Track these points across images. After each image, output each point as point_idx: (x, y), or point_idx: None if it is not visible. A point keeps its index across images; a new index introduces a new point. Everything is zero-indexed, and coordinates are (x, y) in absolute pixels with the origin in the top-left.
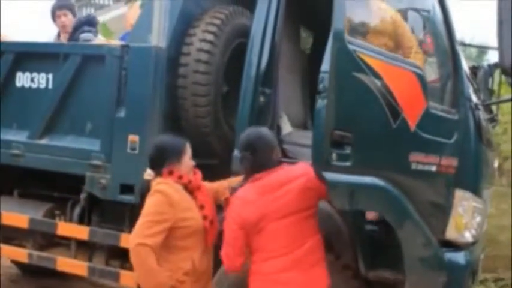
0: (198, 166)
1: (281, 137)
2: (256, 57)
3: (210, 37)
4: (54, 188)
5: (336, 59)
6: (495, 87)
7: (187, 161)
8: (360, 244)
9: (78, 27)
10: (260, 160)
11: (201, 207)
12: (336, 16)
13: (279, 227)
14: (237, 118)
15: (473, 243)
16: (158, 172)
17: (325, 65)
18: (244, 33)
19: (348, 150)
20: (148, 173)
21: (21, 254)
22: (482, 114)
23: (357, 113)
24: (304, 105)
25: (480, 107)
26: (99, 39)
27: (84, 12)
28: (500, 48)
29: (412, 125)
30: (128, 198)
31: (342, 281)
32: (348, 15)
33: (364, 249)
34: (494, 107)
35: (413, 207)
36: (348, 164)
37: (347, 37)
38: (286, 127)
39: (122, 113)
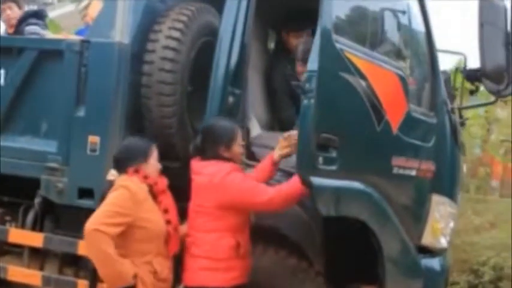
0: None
1: (250, 139)
2: (225, 57)
3: (176, 34)
4: (4, 192)
5: (323, 58)
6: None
7: (154, 163)
8: (333, 251)
9: (24, 20)
10: (203, 145)
11: (165, 211)
12: (323, 14)
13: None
14: (205, 119)
15: (445, 249)
16: (123, 172)
17: (312, 64)
18: (210, 31)
19: (334, 154)
20: (112, 173)
21: None
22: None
23: (343, 115)
24: (270, 107)
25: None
26: (47, 34)
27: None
28: (482, 51)
29: (394, 128)
30: (86, 203)
31: None
32: (334, 13)
33: (338, 257)
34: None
35: (392, 213)
36: (333, 168)
37: (334, 36)
38: (256, 129)
39: (81, 112)
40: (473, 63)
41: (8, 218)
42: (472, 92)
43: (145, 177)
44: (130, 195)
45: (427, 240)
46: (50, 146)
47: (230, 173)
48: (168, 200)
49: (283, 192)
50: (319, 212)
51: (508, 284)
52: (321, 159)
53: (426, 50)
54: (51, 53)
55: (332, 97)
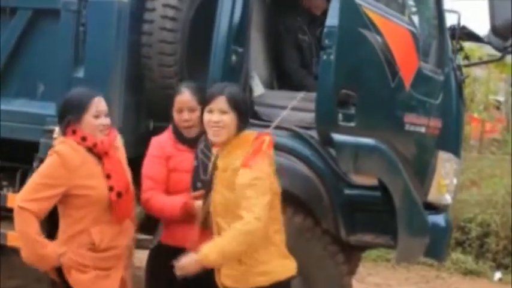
0: (160, 128)
1: (253, 98)
2: (227, 15)
3: None
4: (0, 156)
5: (343, 13)
6: None
7: (90, 120)
8: (341, 208)
9: None
10: None
11: (107, 176)
12: None
13: None
14: (208, 78)
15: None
16: (62, 130)
17: (332, 20)
18: None
19: (352, 110)
20: (57, 132)
21: None
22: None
23: (360, 71)
24: (270, 65)
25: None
26: None
27: None
28: (491, 7)
29: (407, 84)
30: None
31: (321, 247)
32: None
33: (345, 214)
34: None
35: (403, 169)
36: (352, 124)
37: None
38: (258, 88)
39: (80, 73)
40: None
41: (5, 183)
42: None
43: (83, 139)
44: (61, 162)
45: (433, 196)
46: (48, 109)
47: None
48: (112, 162)
49: (160, 203)
50: (326, 170)
51: (494, 239)
52: (340, 116)
53: (434, 6)
54: (46, 12)
55: (351, 53)
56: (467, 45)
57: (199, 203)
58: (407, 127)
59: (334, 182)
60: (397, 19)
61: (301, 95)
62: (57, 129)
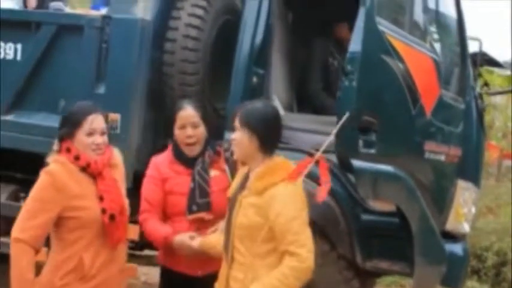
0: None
1: None
2: (249, 37)
3: (199, 12)
4: (17, 168)
5: (366, 39)
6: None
7: (83, 137)
8: (357, 234)
9: None
10: None
11: (100, 198)
12: None
13: None
14: (229, 99)
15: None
16: (59, 146)
17: (355, 45)
18: (231, 10)
19: (373, 137)
20: (56, 143)
21: None
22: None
23: (382, 98)
24: (290, 88)
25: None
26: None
27: None
28: None
29: (428, 112)
30: None
31: (336, 271)
32: None
33: (362, 239)
34: None
35: (422, 197)
36: (372, 151)
37: (377, 17)
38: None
39: (101, 89)
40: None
41: (22, 194)
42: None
43: (76, 158)
44: (52, 182)
45: (451, 225)
46: None
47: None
48: (105, 183)
49: (149, 229)
50: (343, 194)
51: (511, 268)
52: (361, 142)
53: (457, 35)
54: (70, 28)
55: (373, 79)
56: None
57: (182, 237)
58: (427, 155)
59: (351, 207)
60: (419, 46)
61: (331, 119)
62: (56, 141)
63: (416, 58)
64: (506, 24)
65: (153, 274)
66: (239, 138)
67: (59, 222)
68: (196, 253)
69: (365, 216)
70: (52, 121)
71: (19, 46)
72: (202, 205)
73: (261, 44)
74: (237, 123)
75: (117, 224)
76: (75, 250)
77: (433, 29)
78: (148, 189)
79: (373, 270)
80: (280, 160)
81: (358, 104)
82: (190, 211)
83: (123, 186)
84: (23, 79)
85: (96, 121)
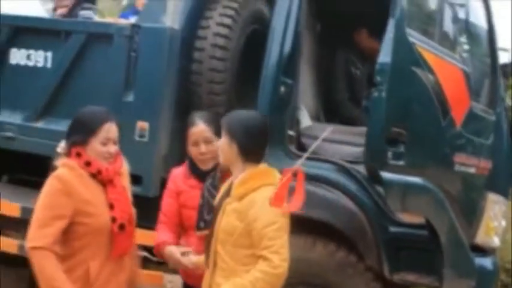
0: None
1: (300, 130)
2: (277, 46)
3: (227, 21)
4: (46, 174)
5: (396, 51)
6: None
7: (97, 146)
8: (385, 246)
9: (78, 3)
10: None
11: (110, 206)
12: (396, 6)
13: None
14: (257, 108)
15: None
16: (67, 149)
17: (385, 57)
18: (259, 19)
19: (402, 149)
20: (61, 146)
21: (11, 244)
22: None
23: (411, 109)
24: (317, 98)
25: None
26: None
27: None
28: None
29: (458, 124)
30: (134, 189)
31: (363, 283)
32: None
33: (389, 251)
34: None
35: (451, 210)
36: (401, 163)
37: (407, 29)
38: (305, 120)
39: (130, 97)
40: None
41: None
42: None
43: (88, 164)
44: (62, 188)
45: (481, 238)
46: None
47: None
48: (116, 191)
49: (156, 239)
50: (371, 206)
51: None
52: (390, 154)
53: (487, 45)
54: (100, 36)
55: (402, 91)
56: None
57: (171, 249)
58: (457, 167)
59: (379, 218)
60: (449, 57)
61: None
62: (62, 143)
63: (447, 69)
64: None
65: (178, 282)
66: (221, 144)
67: (67, 228)
68: (186, 267)
69: (393, 228)
70: None
71: (49, 54)
72: (209, 222)
73: (289, 54)
74: (222, 129)
75: (126, 233)
76: (82, 258)
77: (463, 39)
78: (165, 201)
79: (401, 283)
80: (264, 167)
81: (387, 115)
82: (198, 228)
83: (129, 194)
84: (52, 87)
85: (111, 130)
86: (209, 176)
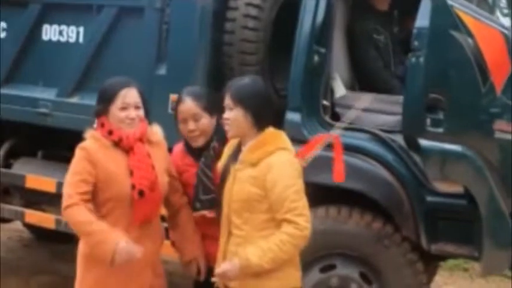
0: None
1: (334, 100)
2: (310, 16)
3: None
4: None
5: (435, 14)
6: None
7: (116, 112)
8: (423, 216)
9: None
10: None
11: (130, 173)
12: None
13: None
14: (290, 78)
15: None
16: (94, 121)
17: (422, 21)
18: None
19: (441, 115)
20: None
21: (48, 220)
22: None
23: (450, 75)
24: (351, 67)
25: None
26: None
27: None
28: None
29: (498, 89)
30: None
31: (400, 254)
32: None
33: (427, 221)
34: None
35: (491, 178)
36: (440, 130)
37: None
38: (340, 89)
39: (162, 71)
40: None
41: None
42: None
43: (110, 133)
44: (85, 156)
45: None
46: None
47: None
48: (136, 158)
49: None
50: (408, 175)
51: None
52: (428, 121)
53: None
54: (131, 10)
55: (441, 56)
56: None
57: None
58: (496, 134)
59: (416, 188)
60: (489, 20)
61: (395, 98)
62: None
63: (487, 33)
64: None
65: None
66: (234, 116)
67: (92, 195)
68: None
69: (430, 198)
70: None
71: (81, 29)
72: (205, 202)
73: (322, 23)
74: (228, 101)
75: (147, 200)
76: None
77: (502, 1)
78: None
79: (438, 254)
80: (274, 131)
81: (426, 81)
82: (195, 208)
83: (163, 164)
84: (85, 62)
85: (129, 95)
86: (203, 156)
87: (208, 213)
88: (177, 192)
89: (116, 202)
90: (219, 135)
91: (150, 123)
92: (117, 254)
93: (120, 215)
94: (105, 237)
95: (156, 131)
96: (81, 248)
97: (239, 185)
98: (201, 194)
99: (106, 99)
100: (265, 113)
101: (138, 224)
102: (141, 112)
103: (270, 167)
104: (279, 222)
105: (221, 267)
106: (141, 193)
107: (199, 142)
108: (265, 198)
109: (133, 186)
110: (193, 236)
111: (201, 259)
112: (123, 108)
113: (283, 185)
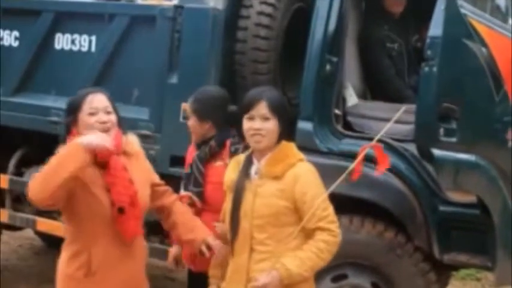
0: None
1: (346, 108)
2: (322, 24)
3: (270, 0)
4: None
5: (448, 23)
6: None
7: (85, 118)
8: (435, 226)
9: None
10: None
11: (107, 190)
12: None
13: None
14: (302, 87)
15: None
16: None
17: (435, 30)
18: None
19: (454, 125)
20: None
21: (59, 228)
22: None
23: (463, 84)
24: (363, 75)
25: None
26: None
27: None
28: None
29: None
30: (178, 171)
31: (412, 264)
32: None
33: (439, 231)
34: None
35: (505, 188)
36: (453, 140)
37: (459, 0)
38: (352, 99)
39: (174, 79)
40: None
41: None
42: None
43: None
44: None
45: None
46: (141, 113)
47: None
48: (112, 174)
49: None
50: (421, 185)
51: None
52: (441, 131)
53: None
54: (143, 19)
55: (454, 65)
56: None
57: None
58: (510, 143)
59: (429, 197)
60: (502, 29)
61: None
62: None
63: (500, 42)
64: None
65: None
66: (271, 127)
67: (70, 211)
68: None
69: (443, 207)
70: (126, 111)
71: (93, 38)
72: (194, 194)
73: (334, 32)
74: (265, 111)
75: (128, 216)
76: (85, 243)
77: None
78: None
79: (451, 263)
80: (287, 143)
81: (439, 90)
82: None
83: (142, 176)
84: (97, 70)
85: (95, 99)
86: (200, 150)
87: (197, 202)
88: (164, 194)
89: (94, 219)
90: (220, 137)
91: (124, 133)
92: (84, 139)
93: (100, 233)
94: (66, 148)
95: (132, 141)
96: (60, 267)
97: (263, 200)
98: (192, 186)
99: (73, 109)
100: (288, 125)
101: (127, 242)
102: (113, 117)
103: (297, 178)
104: (311, 231)
105: (260, 281)
106: (120, 210)
107: (193, 139)
108: (293, 210)
109: (112, 204)
110: (195, 219)
111: (211, 238)
112: (92, 113)
113: (312, 194)
